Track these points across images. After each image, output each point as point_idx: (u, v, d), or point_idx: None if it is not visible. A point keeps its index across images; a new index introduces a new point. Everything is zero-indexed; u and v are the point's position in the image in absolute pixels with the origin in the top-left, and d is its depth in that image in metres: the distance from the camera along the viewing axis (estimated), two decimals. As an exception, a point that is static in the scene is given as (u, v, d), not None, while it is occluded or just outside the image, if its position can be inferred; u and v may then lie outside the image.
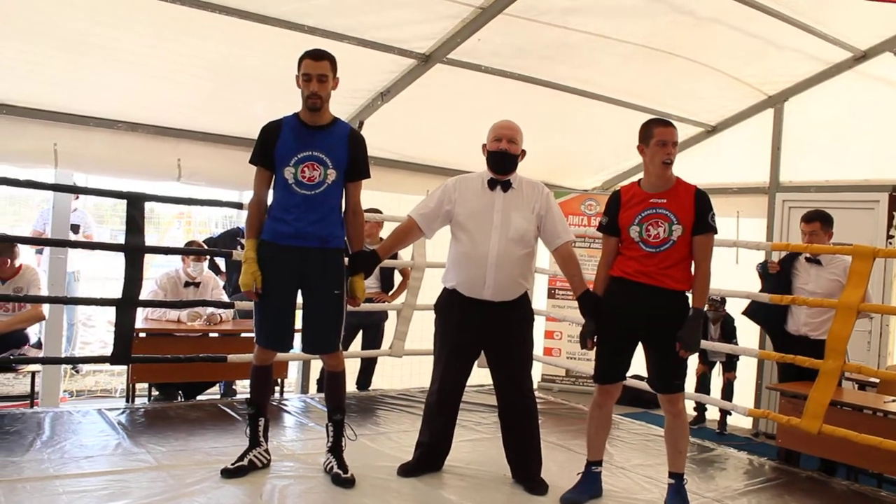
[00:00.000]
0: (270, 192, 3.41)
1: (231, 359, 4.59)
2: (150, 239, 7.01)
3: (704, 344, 5.37)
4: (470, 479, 3.61)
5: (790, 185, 6.50)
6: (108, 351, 4.30)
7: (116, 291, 4.17)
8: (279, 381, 5.49)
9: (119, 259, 4.21)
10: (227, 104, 5.57)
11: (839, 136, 6.16)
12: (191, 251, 5.35)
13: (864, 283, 3.86)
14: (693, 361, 5.91)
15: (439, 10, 4.80)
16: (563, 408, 5.51)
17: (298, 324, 3.55)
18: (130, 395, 5.17)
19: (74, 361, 6.88)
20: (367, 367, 5.91)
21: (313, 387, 6.05)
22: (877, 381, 4.92)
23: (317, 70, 3.23)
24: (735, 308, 6.09)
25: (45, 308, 4.88)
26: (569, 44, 5.40)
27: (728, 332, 6.12)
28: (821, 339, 4.65)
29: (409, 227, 3.60)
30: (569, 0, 4.91)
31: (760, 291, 4.94)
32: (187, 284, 5.43)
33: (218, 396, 5.69)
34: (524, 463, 3.58)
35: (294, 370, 6.44)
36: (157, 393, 5.45)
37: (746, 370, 6.32)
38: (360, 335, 5.77)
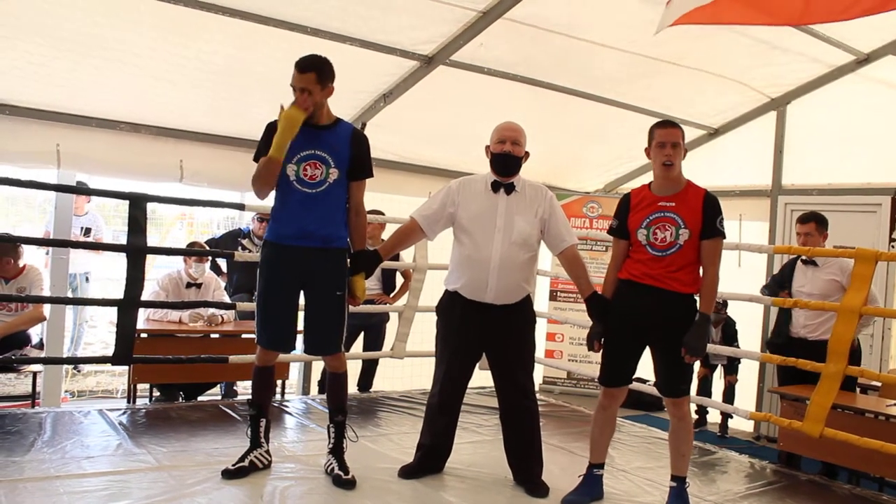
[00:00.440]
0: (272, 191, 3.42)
1: (232, 360, 4.59)
2: (152, 240, 7.04)
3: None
4: (471, 481, 3.61)
5: (792, 189, 6.50)
6: (110, 351, 4.30)
7: (121, 292, 4.18)
8: (280, 382, 5.49)
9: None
10: (229, 105, 5.57)
11: (841, 140, 6.15)
12: (193, 252, 5.35)
13: (866, 286, 3.86)
14: (695, 364, 5.91)
15: (441, 14, 4.80)
16: (564, 410, 5.51)
17: (300, 325, 3.55)
18: (131, 395, 5.17)
19: (76, 362, 6.88)
20: (369, 369, 5.91)
21: (314, 388, 6.05)
22: (878, 384, 4.91)
23: (300, 83, 3.20)
24: (737, 311, 6.09)
25: (46, 309, 4.88)
26: (572, 52, 5.41)
27: (729, 335, 6.11)
28: (819, 340, 4.66)
29: (411, 228, 3.60)
30: (572, 7, 4.92)
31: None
32: (189, 285, 5.43)
33: (219, 397, 5.69)
34: (525, 465, 3.57)
35: (295, 371, 6.44)
36: (158, 394, 5.45)
37: (748, 373, 6.31)
38: (361, 337, 5.77)
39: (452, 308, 3.55)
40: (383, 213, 5.58)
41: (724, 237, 3.28)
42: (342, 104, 5.34)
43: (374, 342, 5.79)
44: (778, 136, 6.56)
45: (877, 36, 5.54)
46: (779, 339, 5.12)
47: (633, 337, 3.33)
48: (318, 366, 5.86)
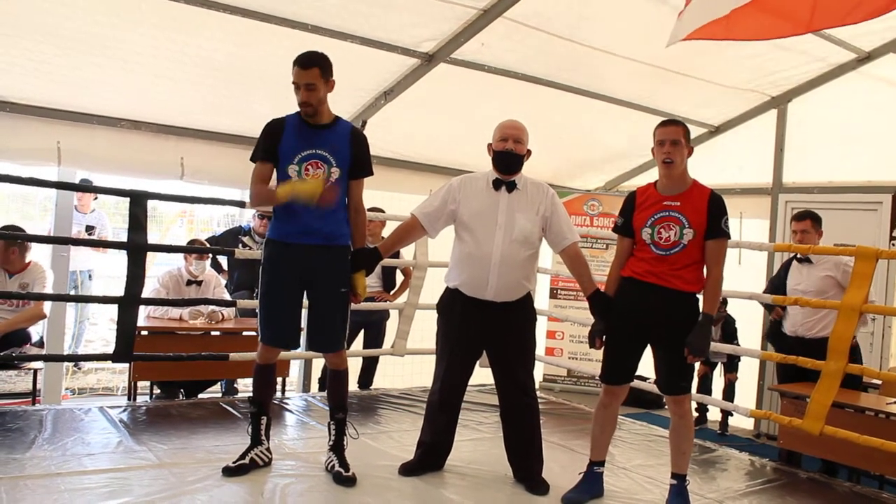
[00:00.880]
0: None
1: (233, 357, 4.59)
2: (153, 237, 7.04)
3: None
4: (471, 478, 3.61)
5: (793, 187, 6.50)
6: (111, 349, 4.30)
7: (122, 290, 4.19)
8: (281, 379, 5.48)
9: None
10: (230, 103, 5.57)
11: (842, 138, 6.15)
12: (193, 249, 5.35)
13: (866, 284, 3.86)
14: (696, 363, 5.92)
15: (441, 11, 4.80)
16: (564, 408, 5.51)
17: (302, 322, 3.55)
18: (132, 392, 5.17)
19: (76, 359, 6.89)
20: (369, 367, 5.91)
21: (315, 385, 6.06)
22: (879, 382, 4.91)
23: (304, 79, 3.20)
24: (737, 309, 6.10)
25: (47, 307, 4.88)
26: (573, 51, 5.41)
27: (729, 333, 6.12)
28: (817, 338, 4.67)
29: (411, 226, 3.59)
30: (576, 8, 4.92)
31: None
32: (189, 283, 5.43)
33: (219, 395, 5.70)
34: (525, 462, 3.58)
35: (296, 369, 6.44)
36: (158, 391, 5.45)
37: (748, 371, 6.31)
38: (361, 334, 5.77)
39: (453, 305, 3.55)
40: (384, 211, 5.58)
41: (729, 238, 3.27)
42: (343, 102, 5.36)
43: (374, 339, 5.80)
44: (779, 134, 6.56)
45: (878, 34, 5.54)
46: (770, 336, 5.14)
47: (635, 335, 3.33)
48: (318, 363, 5.87)
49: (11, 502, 2.86)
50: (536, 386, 3.94)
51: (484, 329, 3.49)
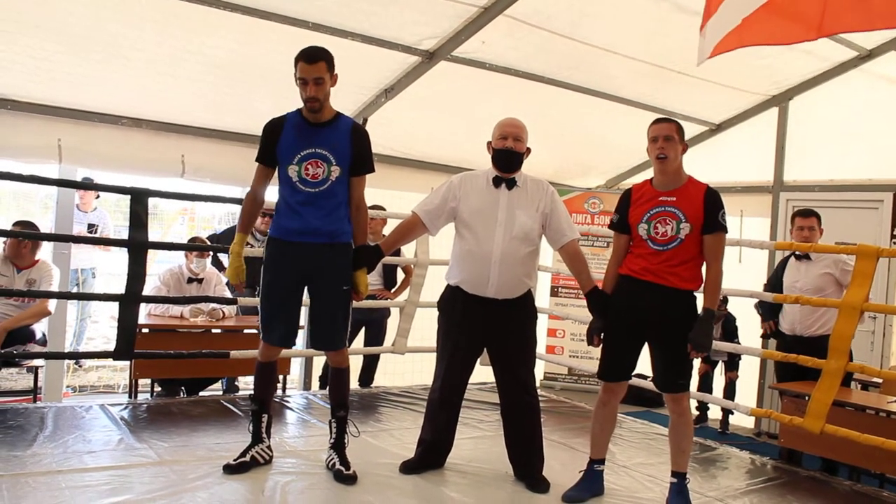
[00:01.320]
0: (274, 188, 3.42)
1: (234, 355, 4.59)
2: (154, 235, 7.04)
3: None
4: (472, 476, 3.61)
5: (794, 185, 6.49)
6: (112, 346, 4.30)
7: (123, 287, 4.19)
8: (282, 377, 5.48)
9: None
10: (231, 101, 5.57)
11: (844, 136, 6.15)
12: (194, 247, 5.36)
13: (867, 282, 3.85)
14: (695, 361, 5.91)
15: (442, 9, 4.80)
16: (565, 406, 5.51)
17: (302, 320, 3.55)
18: (133, 390, 5.17)
19: (77, 356, 6.90)
20: (370, 364, 5.91)
21: (316, 383, 6.06)
22: (880, 381, 4.91)
23: (312, 73, 3.19)
24: (737, 307, 6.09)
25: (52, 304, 4.89)
26: (574, 49, 5.41)
27: (730, 331, 6.12)
28: (815, 336, 4.67)
29: (413, 223, 3.59)
30: (577, 6, 4.91)
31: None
32: (190, 280, 5.43)
33: (220, 393, 5.70)
34: (526, 461, 3.58)
35: (297, 367, 6.45)
36: (159, 389, 5.46)
37: (749, 369, 6.31)
38: (362, 332, 5.77)
39: (453, 303, 3.55)
40: (384, 209, 5.57)
41: (727, 231, 3.27)
42: (344, 100, 5.35)
43: (375, 337, 5.80)
44: (780, 132, 6.55)
45: (879, 32, 5.52)
46: (768, 337, 5.16)
47: (633, 332, 3.34)
48: (319, 361, 5.87)
49: (13, 500, 2.86)
50: (537, 384, 3.94)
51: (485, 327, 3.49)
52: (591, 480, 3.47)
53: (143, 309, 5.01)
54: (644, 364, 3.49)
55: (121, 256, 5.55)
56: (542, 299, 7.00)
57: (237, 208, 8.51)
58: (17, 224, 4.88)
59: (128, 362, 5.25)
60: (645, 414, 5.69)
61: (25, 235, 4.73)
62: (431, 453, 3.66)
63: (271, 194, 3.51)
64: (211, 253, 5.78)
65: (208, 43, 4.84)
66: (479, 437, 4.33)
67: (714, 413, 6.28)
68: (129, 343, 4.22)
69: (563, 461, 3.90)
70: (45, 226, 5.96)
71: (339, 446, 3.47)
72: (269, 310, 3.40)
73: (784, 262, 5.12)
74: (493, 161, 3.50)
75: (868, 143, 6.00)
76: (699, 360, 6.12)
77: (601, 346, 3.41)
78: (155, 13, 4.48)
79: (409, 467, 3.59)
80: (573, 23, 5.09)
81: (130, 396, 5.14)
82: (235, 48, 4.95)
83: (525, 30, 5.09)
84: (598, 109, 6.36)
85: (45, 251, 5.30)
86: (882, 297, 5.63)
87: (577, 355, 7.28)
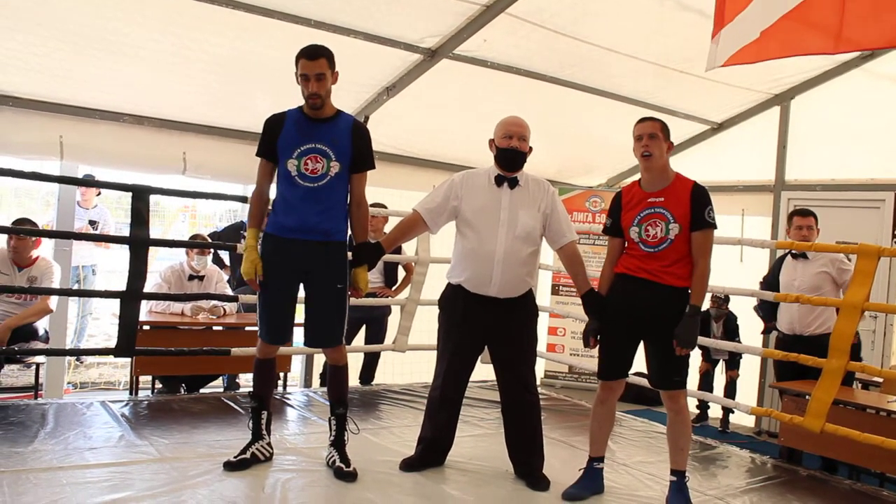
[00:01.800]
0: (273, 185, 3.42)
1: (234, 352, 4.59)
2: (155, 232, 7.04)
3: (707, 342, 5.38)
4: (472, 474, 3.61)
5: (796, 184, 6.49)
6: (113, 343, 4.30)
7: (124, 285, 4.19)
8: (282, 375, 5.50)
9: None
10: (232, 98, 5.57)
11: (845, 135, 6.14)
12: (195, 244, 5.36)
13: (868, 281, 3.85)
14: (696, 359, 5.91)
15: (444, 7, 4.80)
16: (565, 404, 5.52)
17: (300, 317, 3.55)
18: (134, 387, 5.19)
19: (78, 353, 6.90)
20: (371, 362, 5.91)
21: (316, 381, 6.06)
22: (880, 380, 4.91)
23: (314, 70, 3.20)
24: (738, 306, 6.09)
25: (53, 301, 4.90)
26: (577, 53, 5.40)
27: (731, 330, 6.12)
28: (815, 335, 4.67)
29: (413, 221, 3.59)
30: (579, 4, 4.91)
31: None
32: (191, 278, 5.44)
33: (221, 390, 5.71)
34: (526, 459, 3.58)
35: (297, 364, 6.45)
36: (160, 386, 5.47)
37: (749, 368, 6.31)
38: (363, 330, 5.78)
39: (455, 301, 3.55)
40: (386, 207, 5.57)
41: (715, 227, 3.26)
42: (345, 97, 5.35)
43: (375, 335, 5.80)
44: (782, 131, 6.55)
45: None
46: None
47: (629, 330, 3.34)
48: (319, 358, 5.87)
49: (14, 496, 2.86)
50: (538, 382, 3.94)
51: (486, 325, 3.49)
52: (591, 478, 3.47)
53: (145, 306, 5.02)
54: (644, 362, 3.49)
55: (122, 253, 5.56)
56: (542, 298, 7.00)
57: (238, 206, 8.56)
58: (16, 223, 4.88)
59: (129, 359, 5.25)
60: (645, 412, 5.69)
61: (27, 232, 4.73)
62: (432, 451, 3.66)
63: (272, 190, 3.51)
64: (212, 250, 5.79)
65: (210, 40, 4.84)
66: (479, 435, 4.33)
67: (714, 412, 6.28)
68: (130, 340, 4.22)
69: (563, 459, 3.90)
70: (46, 222, 5.97)
71: (338, 443, 3.47)
72: (265, 307, 3.40)
73: (780, 260, 5.12)
74: (496, 160, 3.49)
75: (870, 143, 6.00)
76: (700, 358, 6.14)
77: (598, 345, 3.42)
78: (157, 10, 4.48)
79: (409, 465, 3.59)
80: (575, 21, 5.09)
81: (131, 393, 5.16)
82: (237, 45, 4.96)
83: (527, 28, 5.09)
84: (599, 108, 6.36)
85: (47, 248, 5.31)
86: (883, 296, 5.63)
87: (577, 353, 7.28)
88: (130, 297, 4.20)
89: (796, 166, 6.50)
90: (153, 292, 5.11)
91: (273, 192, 3.44)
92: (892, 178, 5.86)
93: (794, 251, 4.87)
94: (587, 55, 5.54)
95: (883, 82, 5.85)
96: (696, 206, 3.21)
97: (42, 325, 5.04)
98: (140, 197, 4.23)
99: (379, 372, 5.95)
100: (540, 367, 6.99)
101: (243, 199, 5.23)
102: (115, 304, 4.29)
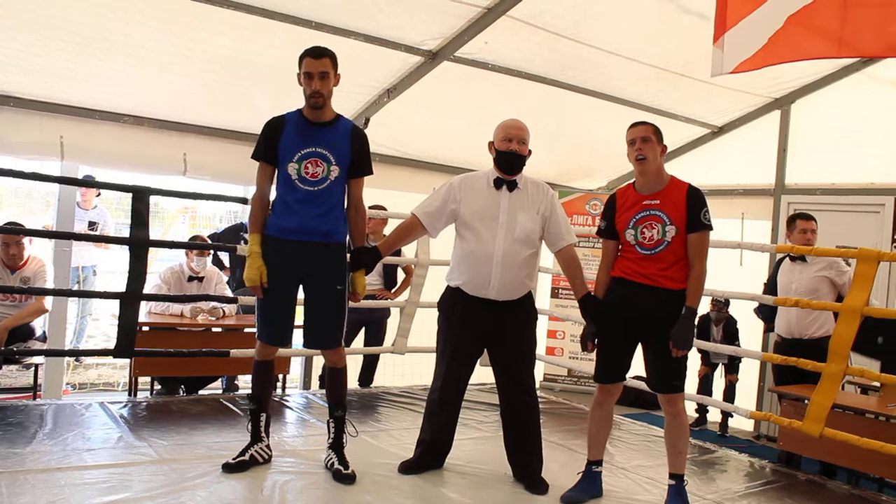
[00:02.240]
0: (273, 187, 3.42)
1: (234, 353, 4.59)
2: (155, 233, 7.05)
3: (707, 345, 5.37)
4: (471, 477, 3.61)
5: (796, 188, 6.48)
6: (112, 344, 4.30)
7: (123, 285, 4.19)
8: (281, 377, 5.49)
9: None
10: (233, 99, 5.57)
11: (846, 139, 6.13)
12: (195, 245, 5.36)
13: (868, 286, 3.85)
14: (695, 363, 5.91)
15: (445, 9, 4.80)
16: (564, 407, 5.51)
17: (300, 320, 3.55)
18: (133, 388, 5.18)
19: (77, 354, 6.91)
20: (370, 364, 5.91)
21: (315, 383, 6.06)
22: (878, 385, 4.90)
23: (318, 68, 3.23)
24: (738, 310, 6.09)
25: (48, 301, 4.89)
26: (578, 56, 5.40)
27: (730, 334, 6.11)
28: (813, 339, 4.67)
29: (412, 225, 3.59)
30: (580, 7, 4.91)
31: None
32: (191, 279, 5.44)
33: (220, 391, 5.70)
34: (525, 462, 3.58)
35: (296, 366, 6.45)
36: (159, 387, 5.46)
37: (749, 372, 6.31)
38: (362, 332, 5.77)
39: (454, 304, 3.55)
40: (385, 209, 5.57)
41: (711, 229, 3.26)
42: (346, 99, 5.36)
43: (375, 338, 5.80)
44: (782, 135, 6.55)
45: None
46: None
47: (626, 333, 3.34)
48: (318, 361, 5.87)
49: (11, 496, 2.86)
50: (537, 385, 3.94)
51: (485, 328, 3.49)
52: (590, 482, 3.47)
53: (144, 307, 5.01)
54: (642, 366, 3.49)
55: (121, 254, 5.57)
56: (542, 301, 6.99)
57: (239, 207, 8.56)
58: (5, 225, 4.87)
59: (128, 360, 5.25)
60: (644, 416, 5.69)
61: (25, 232, 4.73)
62: (431, 454, 3.66)
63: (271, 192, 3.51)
64: (212, 251, 5.79)
65: (211, 41, 4.84)
66: (478, 438, 4.33)
67: (713, 416, 6.27)
68: (129, 341, 4.22)
69: (561, 462, 3.91)
70: (46, 223, 5.97)
71: (337, 446, 3.47)
72: (264, 308, 3.41)
73: (779, 263, 5.12)
74: (496, 162, 3.50)
75: (870, 147, 5.99)
76: (699, 362, 6.13)
77: (596, 349, 3.42)
78: (158, 11, 4.48)
79: (408, 467, 3.59)
80: (576, 24, 5.09)
81: (130, 394, 5.15)
82: (238, 46, 4.96)
83: (528, 31, 5.09)
84: (600, 111, 6.36)
85: (47, 249, 5.30)
86: (882, 301, 5.63)
87: (576, 357, 7.27)
88: (130, 298, 4.20)
89: (796, 170, 6.50)
90: (153, 293, 5.11)
91: (272, 195, 3.44)
92: (893, 182, 5.85)
93: (792, 254, 4.87)
94: (588, 58, 5.54)
95: (883, 87, 5.84)
96: (692, 207, 3.21)
97: (39, 324, 5.04)
98: (140, 198, 4.23)
99: (378, 374, 5.95)
100: (539, 371, 6.99)
101: (243, 201, 5.24)
102: (115, 304, 4.29)
